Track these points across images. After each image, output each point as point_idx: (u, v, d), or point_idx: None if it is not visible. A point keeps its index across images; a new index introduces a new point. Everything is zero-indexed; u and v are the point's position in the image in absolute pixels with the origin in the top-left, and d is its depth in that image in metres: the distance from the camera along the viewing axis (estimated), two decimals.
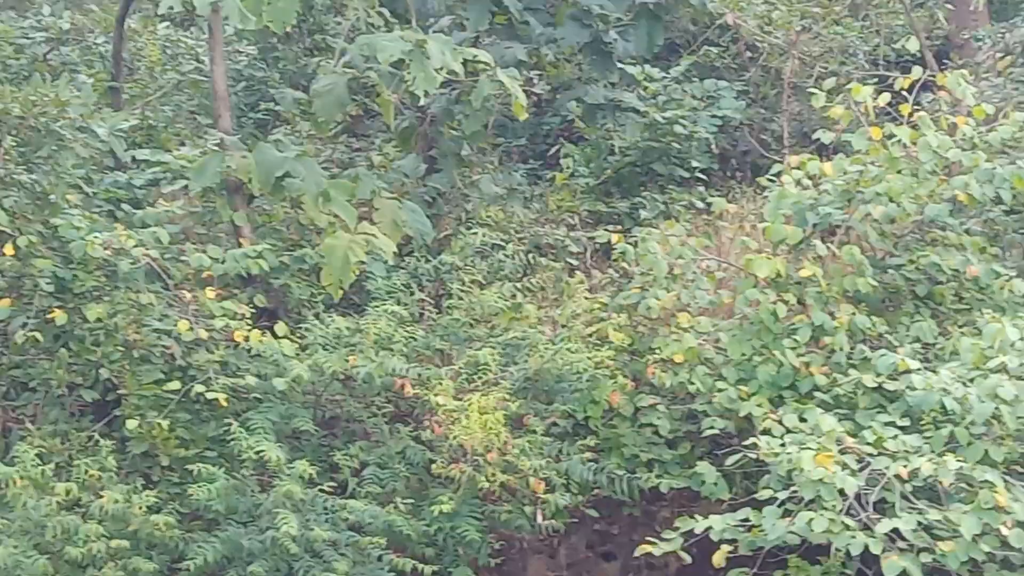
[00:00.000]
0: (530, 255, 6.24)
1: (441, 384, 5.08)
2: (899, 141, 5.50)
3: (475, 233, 6.24)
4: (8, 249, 4.97)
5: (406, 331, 5.38)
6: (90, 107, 5.74)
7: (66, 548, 4.41)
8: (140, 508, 4.56)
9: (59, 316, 4.97)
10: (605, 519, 5.50)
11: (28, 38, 7.84)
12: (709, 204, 6.54)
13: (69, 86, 5.71)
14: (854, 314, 5.39)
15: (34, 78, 5.87)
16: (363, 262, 5.34)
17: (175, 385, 5.06)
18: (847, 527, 4.73)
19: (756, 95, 8.12)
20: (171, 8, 5.28)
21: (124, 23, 7.48)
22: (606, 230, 6.51)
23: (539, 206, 7.02)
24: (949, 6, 7.95)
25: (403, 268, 5.96)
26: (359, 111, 7.19)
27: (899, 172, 5.46)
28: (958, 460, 4.96)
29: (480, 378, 5.17)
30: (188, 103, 8.17)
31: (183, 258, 5.46)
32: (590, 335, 5.47)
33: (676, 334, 5.44)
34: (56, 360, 5.08)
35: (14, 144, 5.32)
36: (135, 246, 5.12)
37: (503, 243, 6.31)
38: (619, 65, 7.06)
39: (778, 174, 5.67)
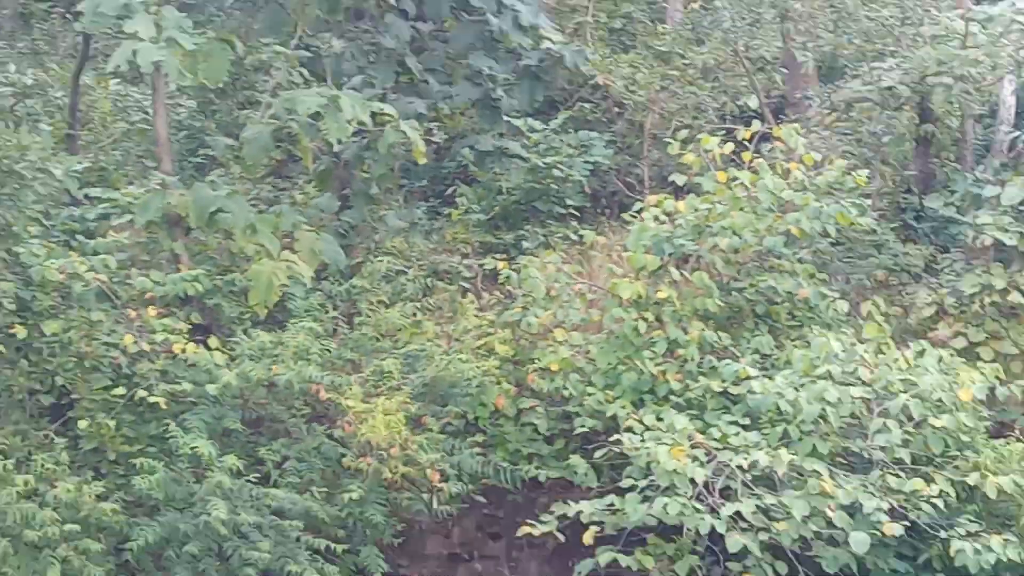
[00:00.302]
0: (429, 279, 6.90)
1: (351, 389, 5.77)
2: (741, 183, 6.35)
3: (381, 260, 6.89)
4: None
5: (322, 344, 6.04)
6: (48, 151, 6.25)
7: (25, 531, 4.95)
8: (90, 497, 5.13)
9: (20, 331, 5.55)
10: (492, 504, 6.21)
11: None
12: (581, 236, 7.33)
13: (31, 134, 6.20)
14: (703, 330, 6.19)
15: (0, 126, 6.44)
16: (285, 285, 5.98)
17: (121, 391, 5.63)
18: (697, 510, 5.47)
19: (622, 144, 8.96)
20: (119, 66, 5.84)
21: (79, 79, 8.06)
22: (494, 258, 7.22)
23: (437, 238, 7.69)
24: (784, 69, 8.81)
25: (320, 290, 6.61)
26: (283, 156, 7.80)
27: (742, 209, 6.29)
28: (791, 453, 5.79)
29: (385, 384, 5.85)
30: (135, 149, 8.64)
31: (129, 281, 6.02)
32: (479, 347, 6.18)
33: (553, 347, 6.27)
34: (17, 369, 5.61)
35: None
36: (87, 271, 5.70)
37: (406, 269, 6.97)
38: (505, 118, 7.79)
39: (640, 211, 6.42)
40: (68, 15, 9.17)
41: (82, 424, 5.41)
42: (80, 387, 5.48)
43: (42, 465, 5.10)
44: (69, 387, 5.53)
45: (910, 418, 5.68)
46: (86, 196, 6.73)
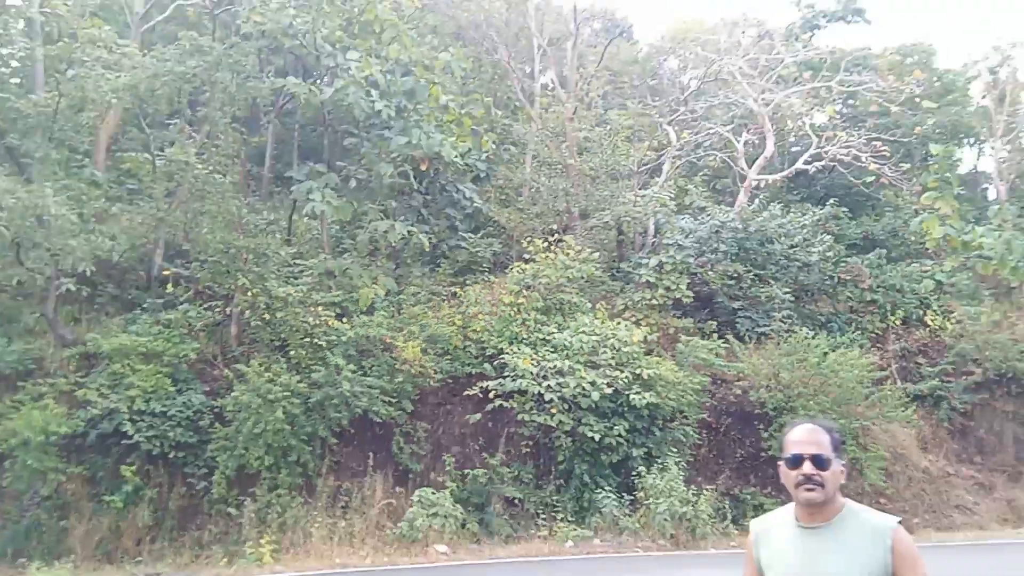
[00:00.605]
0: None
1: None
2: (550, 258, 15.53)
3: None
4: None
5: None
6: None
7: None
8: None
9: None
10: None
11: None
12: (491, 279, 16.12)
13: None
14: (536, 314, 15.17)
15: None
16: None
17: None
18: (532, 384, 14.32)
19: (505, 240, 18.08)
20: (306, 212, 13.62)
21: (292, 219, 15.18)
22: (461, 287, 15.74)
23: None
24: (570, 211, 18.57)
25: None
26: None
27: (552, 267, 15.47)
28: (569, 362, 14.79)
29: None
30: None
31: None
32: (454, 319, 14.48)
33: (480, 319, 14.81)
34: None
35: None
36: None
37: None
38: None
39: (512, 268, 15.29)
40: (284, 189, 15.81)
41: None
42: None
43: None
44: None
45: (614, 347, 14.63)
46: None
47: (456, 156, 13.85)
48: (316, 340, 12.38)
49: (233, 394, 11.76)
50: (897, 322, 17.26)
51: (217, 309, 13.48)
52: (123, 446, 11.56)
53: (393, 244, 14.22)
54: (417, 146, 12.63)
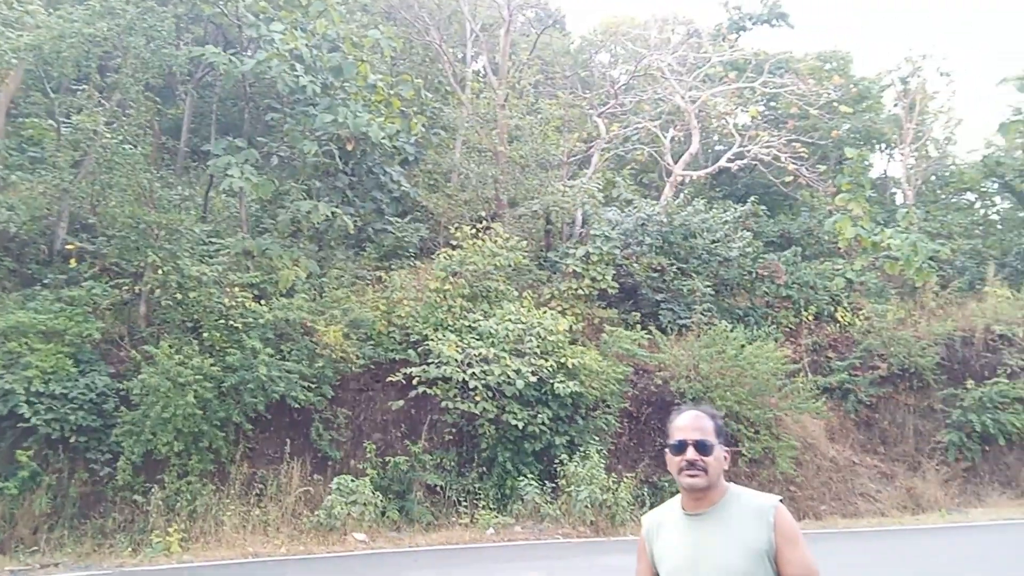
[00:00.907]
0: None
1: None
2: (476, 245, 15.41)
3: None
4: None
5: None
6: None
7: None
8: None
9: None
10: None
11: None
12: (416, 264, 15.85)
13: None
14: (461, 300, 15.03)
15: None
16: None
17: None
18: (456, 371, 14.19)
19: (433, 224, 17.82)
20: (224, 188, 13.06)
21: (208, 195, 14.38)
22: (387, 272, 15.37)
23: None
24: (498, 199, 18.55)
25: None
26: None
27: (478, 255, 15.35)
28: (494, 350, 14.72)
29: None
30: None
31: None
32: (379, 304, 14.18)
33: (405, 305, 14.55)
34: None
35: None
36: None
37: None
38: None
39: (439, 254, 15.11)
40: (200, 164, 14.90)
41: None
42: None
43: None
44: None
45: (539, 336, 14.65)
46: None
47: (383, 137, 13.53)
48: (232, 322, 11.89)
49: (140, 376, 11.18)
50: (810, 317, 17.89)
51: (125, 287, 12.78)
52: (19, 429, 10.85)
53: (316, 225, 13.80)
54: (343, 125, 12.26)
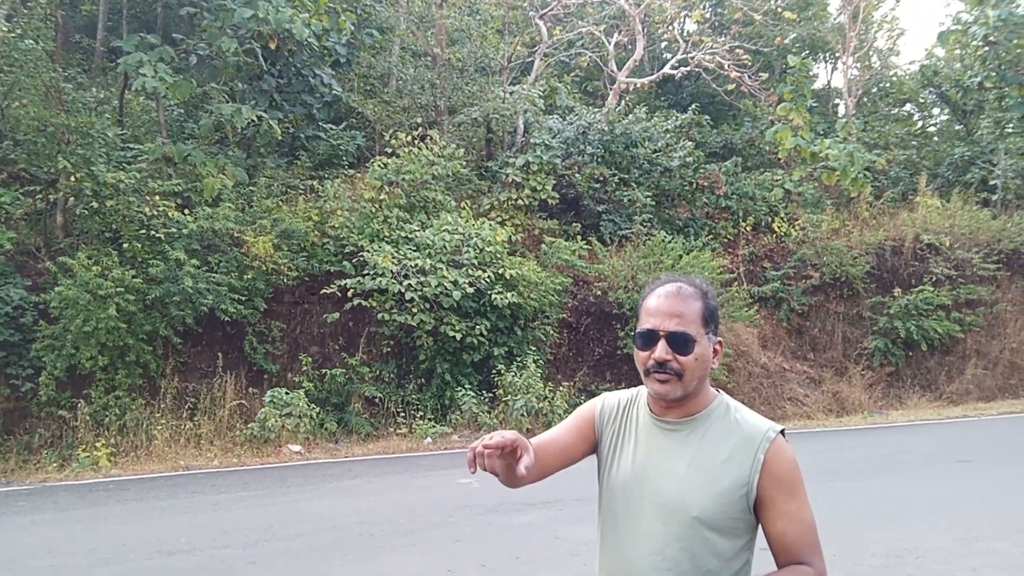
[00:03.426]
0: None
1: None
2: (412, 152, 14.92)
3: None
4: None
5: None
6: None
7: None
8: None
9: None
10: None
11: None
12: (352, 174, 15.31)
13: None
14: (397, 211, 14.67)
15: None
16: None
17: None
18: (392, 283, 14.00)
19: (371, 133, 17.08)
20: (137, 88, 12.14)
21: (124, 96, 13.19)
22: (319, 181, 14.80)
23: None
24: (436, 105, 17.87)
25: None
26: None
27: (413, 163, 14.90)
28: (430, 261, 14.52)
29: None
30: None
31: None
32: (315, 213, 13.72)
33: (339, 215, 14.13)
34: None
35: None
36: None
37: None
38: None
39: (373, 163, 14.59)
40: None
41: None
42: None
43: None
44: None
45: (478, 247, 14.46)
46: None
47: (310, 36, 12.75)
48: (154, 232, 11.35)
49: (58, 289, 10.66)
50: (748, 228, 18.06)
51: (38, 196, 12.05)
52: None
53: (241, 130, 13.10)
54: (264, 21, 11.45)
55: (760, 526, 1.83)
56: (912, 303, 16.95)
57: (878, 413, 15.60)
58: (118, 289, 10.76)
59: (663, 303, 1.82)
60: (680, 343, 1.78)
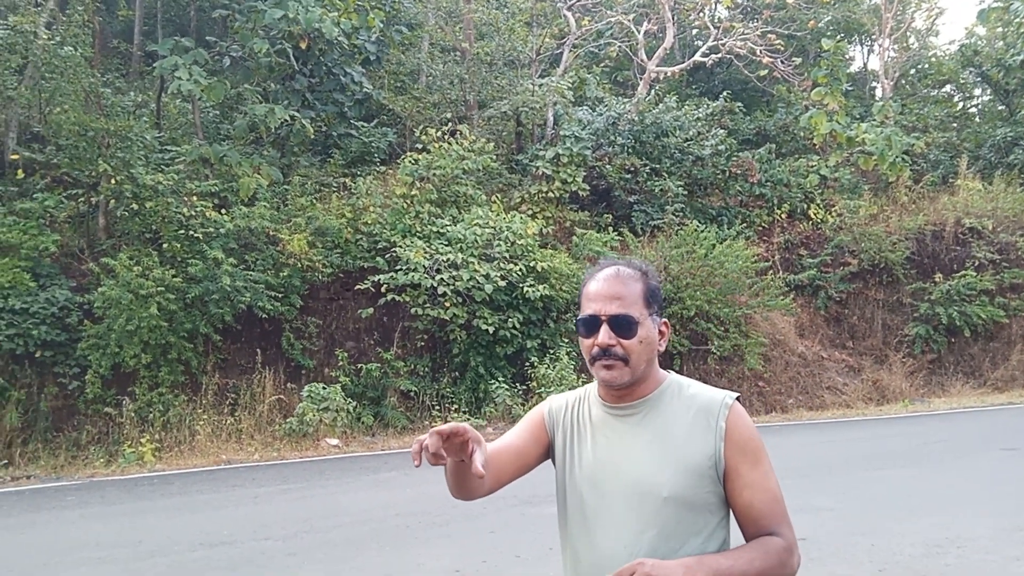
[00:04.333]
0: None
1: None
2: (443, 148, 14.99)
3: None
4: None
5: None
6: None
7: None
8: None
9: None
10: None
11: None
12: (384, 171, 15.41)
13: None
14: (429, 206, 14.74)
15: None
16: None
17: None
18: (425, 278, 14.09)
19: (401, 129, 17.17)
20: (175, 90, 12.41)
21: (161, 96, 13.35)
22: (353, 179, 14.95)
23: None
24: (465, 100, 17.86)
25: None
26: None
27: (443, 158, 14.96)
28: (463, 255, 14.58)
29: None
30: None
31: None
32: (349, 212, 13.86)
33: (372, 212, 14.26)
34: None
35: None
36: None
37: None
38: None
39: (405, 159, 14.69)
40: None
41: None
42: None
43: None
44: None
45: (508, 240, 14.47)
46: None
47: (339, 35, 12.88)
48: (192, 232, 11.60)
49: (101, 289, 10.97)
50: (783, 215, 17.82)
51: (80, 199, 12.38)
52: None
53: (275, 130, 13.30)
54: (294, 21, 11.60)
55: (726, 499, 1.76)
56: (954, 288, 16.58)
57: (919, 401, 15.32)
58: (159, 288, 11.02)
59: (603, 287, 1.76)
60: (623, 326, 1.72)
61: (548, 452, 1.94)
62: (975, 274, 16.76)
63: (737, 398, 1.78)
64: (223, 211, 12.16)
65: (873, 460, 8.97)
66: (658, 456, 1.73)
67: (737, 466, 1.71)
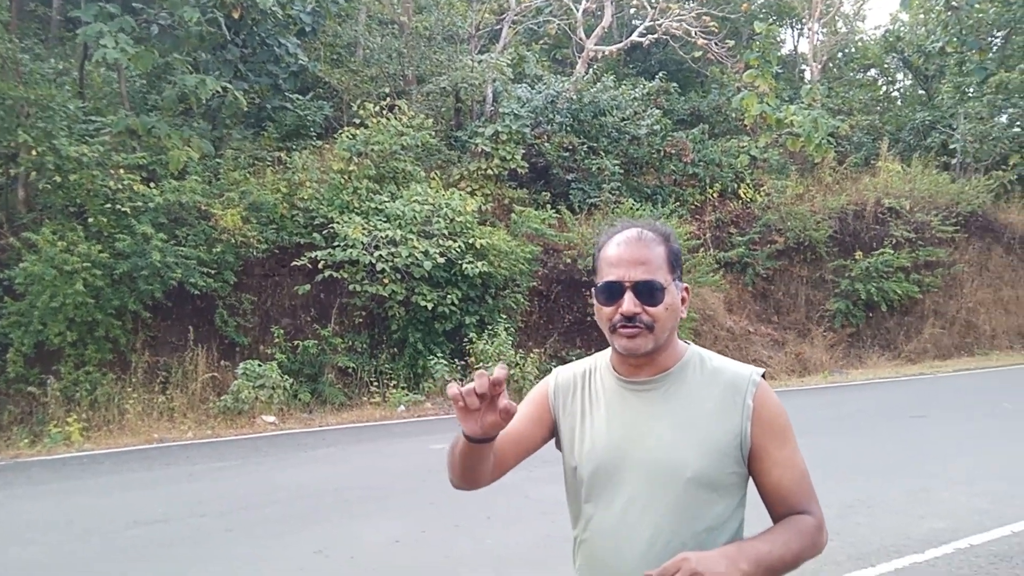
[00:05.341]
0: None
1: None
2: (380, 123, 14.85)
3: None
4: None
5: None
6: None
7: None
8: None
9: None
10: None
11: None
12: (319, 146, 15.17)
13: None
14: (366, 181, 14.61)
15: None
16: None
17: None
18: (364, 254, 14.02)
19: (337, 103, 16.92)
20: (98, 59, 11.92)
21: (84, 65, 12.49)
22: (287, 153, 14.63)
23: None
24: (404, 75, 17.71)
25: None
26: None
27: (382, 133, 14.83)
28: (402, 231, 14.54)
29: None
30: None
31: None
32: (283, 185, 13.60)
33: (308, 187, 14.05)
34: None
35: None
36: None
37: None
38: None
39: (341, 133, 14.48)
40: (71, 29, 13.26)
41: None
42: None
43: None
44: None
45: (447, 216, 14.48)
46: None
47: (273, 4, 12.58)
48: (119, 206, 11.25)
49: (22, 265, 10.57)
50: (715, 194, 18.31)
51: None
52: None
53: (206, 102, 12.94)
54: None
55: (752, 479, 1.70)
56: (873, 266, 17.39)
57: (839, 372, 16.09)
58: (85, 264, 10.69)
59: (625, 251, 1.64)
60: (648, 293, 1.61)
61: (552, 432, 1.84)
62: (892, 252, 17.61)
63: (763, 374, 1.70)
64: (152, 185, 11.82)
65: (795, 428, 9.43)
66: (681, 436, 1.63)
67: (765, 445, 1.64)
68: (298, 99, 15.49)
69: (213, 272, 11.98)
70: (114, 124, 11.90)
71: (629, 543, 1.64)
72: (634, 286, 1.62)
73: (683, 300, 1.71)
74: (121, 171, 11.45)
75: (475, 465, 1.69)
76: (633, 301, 1.61)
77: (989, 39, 20.65)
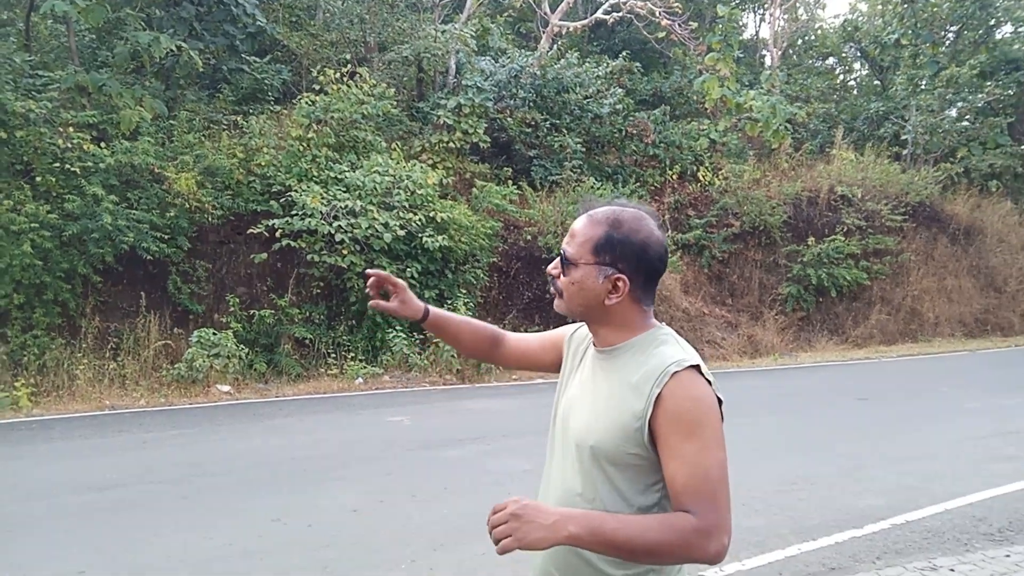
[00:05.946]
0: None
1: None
2: (341, 92, 14.61)
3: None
4: None
5: None
6: None
7: None
8: None
9: None
10: None
11: None
12: (277, 111, 14.84)
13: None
14: (326, 150, 14.40)
15: None
16: None
17: None
18: (321, 224, 13.86)
19: (297, 66, 16.52)
20: (46, 11, 11.43)
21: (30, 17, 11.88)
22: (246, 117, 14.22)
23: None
24: (365, 42, 17.41)
25: None
26: None
27: (342, 101, 14.59)
28: (362, 203, 14.39)
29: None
30: None
31: None
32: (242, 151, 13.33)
33: (266, 153, 13.78)
34: None
35: None
36: None
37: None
38: None
39: (301, 99, 14.20)
40: None
41: None
42: None
43: None
44: None
45: (408, 189, 14.44)
46: None
47: None
48: (69, 166, 10.90)
49: None
50: (674, 176, 18.52)
51: None
52: None
53: (159, 60, 12.56)
54: None
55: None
56: (824, 252, 17.85)
57: (788, 355, 16.54)
58: (32, 225, 10.36)
59: (575, 223, 1.81)
60: (563, 262, 1.77)
61: (556, 368, 2.05)
62: (843, 239, 18.09)
63: (696, 367, 1.66)
64: (102, 144, 11.46)
65: (743, 407, 9.71)
66: (599, 408, 1.72)
67: (667, 436, 1.61)
68: (255, 62, 15.14)
69: (166, 237, 11.74)
70: (63, 80, 11.49)
71: (546, 496, 1.84)
72: (561, 254, 1.80)
73: (614, 289, 1.72)
74: (70, 129, 11.08)
75: (445, 337, 2.20)
76: (555, 264, 1.81)
77: (943, 33, 21.19)
